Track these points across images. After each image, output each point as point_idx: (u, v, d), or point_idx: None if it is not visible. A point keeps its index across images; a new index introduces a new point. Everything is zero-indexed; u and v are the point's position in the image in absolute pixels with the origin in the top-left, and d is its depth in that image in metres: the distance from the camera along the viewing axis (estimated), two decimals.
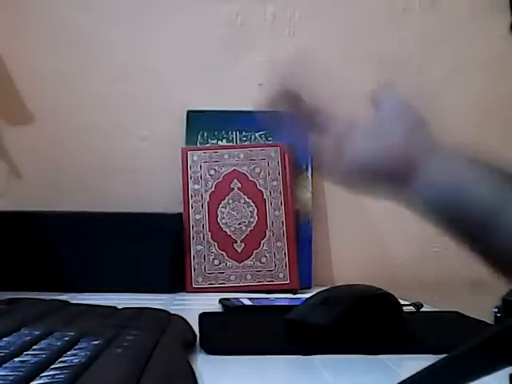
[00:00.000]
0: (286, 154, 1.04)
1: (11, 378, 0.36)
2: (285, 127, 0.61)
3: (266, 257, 1.01)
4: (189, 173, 1.03)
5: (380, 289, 0.64)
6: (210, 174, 1.03)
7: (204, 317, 0.68)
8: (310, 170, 1.09)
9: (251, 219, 1.02)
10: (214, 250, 1.01)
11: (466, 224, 0.51)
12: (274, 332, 0.62)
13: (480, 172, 0.51)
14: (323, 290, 0.66)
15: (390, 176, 0.53)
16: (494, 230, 0.48)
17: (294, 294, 0.98)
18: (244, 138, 1.09)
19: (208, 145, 1.09)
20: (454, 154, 0.53)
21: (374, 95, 0.57)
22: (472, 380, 0.29)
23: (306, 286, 1.03)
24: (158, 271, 0.96)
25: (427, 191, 0.52)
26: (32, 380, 0.36)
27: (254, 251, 1.01)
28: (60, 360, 0.40)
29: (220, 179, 1.03)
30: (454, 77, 1.15)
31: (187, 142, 1.09)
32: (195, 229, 1.02)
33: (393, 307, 0.63)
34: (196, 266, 1.01)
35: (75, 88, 1.10)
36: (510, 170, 0.51)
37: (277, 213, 1.02)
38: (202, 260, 1.01)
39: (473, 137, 1.16)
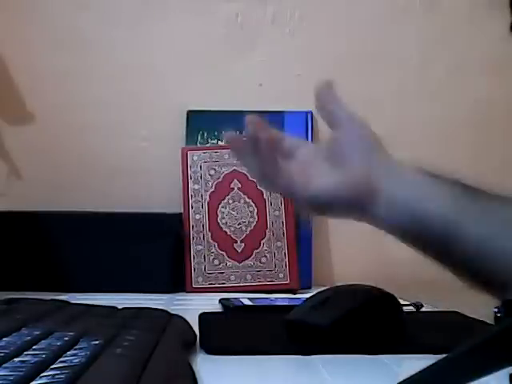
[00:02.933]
0: None
1: (11, 377, 0.36)
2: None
3: (265, 257, 1.01)
4: (189, 173, 1.03)
5: (380, 289, 0.64)
6: (209, 174, 1.03)
7: (204, 317, 0.68)
8: None
9: (251, 219, 1.02)
10: (213, 250, 1.01)
11: (429, 240, 0.52)
12: (274, 332, 0.62)
13: (439, 187, 0.52)
14: (323, 290, 0.65)
15: (351, 203, 0.54)
16: (455, 244, 0.49)
17: (294, 294, 0.98)
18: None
19: (208, 145, 1.09)
20: (411, 173, 0.54)
21: (334, 114, 0.56)
22: (472, 380, 0.29)
23: (306, 286, 1.03)
24: (158, 271, 0.96)
25: (389, 214, 0.53)
26: (32, 380, 0.36)
27: (254, 251, 1.01)
28: (60, 360, 0.40)
29: (220, 179, 1.03)
30: (454, 77, 1.15)
31: (187, 142, 1.09)
32: (195, 229, 1.02)
33: (393, 307, 0.63)
34: (196, 266, 1.01)
35: (75, 88, 1.10)
36: (468, 182, 0.52)
37: (277, 213, 1.02)
38: (202, 260, 1.01)
39: (473, 137, 1.16)
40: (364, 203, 0.53)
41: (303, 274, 1.03)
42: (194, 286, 1.00)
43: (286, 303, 0.83)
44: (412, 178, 0.53)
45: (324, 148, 0.58)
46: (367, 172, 0.54)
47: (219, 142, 1.09)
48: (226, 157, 1.04)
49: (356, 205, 0.54)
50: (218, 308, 0.81)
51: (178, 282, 0.99)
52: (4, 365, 0.38)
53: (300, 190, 0.55)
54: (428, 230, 0.51)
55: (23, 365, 0.39)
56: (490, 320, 0.68)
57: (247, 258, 1.01)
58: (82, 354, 0.42)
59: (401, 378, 0.32)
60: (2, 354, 0.41)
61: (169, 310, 0.66)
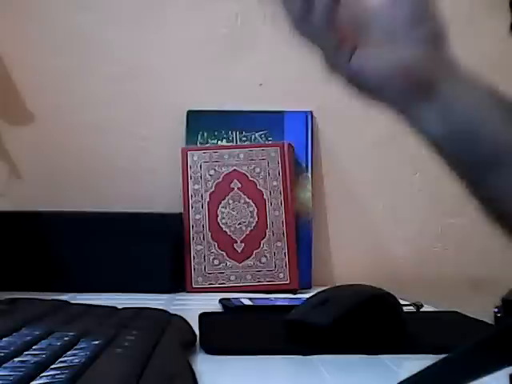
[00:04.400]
0: (286, 154, 1.04)
1: (11, 378, 0.36)
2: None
3: (265, 257, 1.01)
4: (189, 173, 1.03)
5: (380, 289, 0.64)
6: (209, 174, 1.03)
7: (204, 317, 0.68)
8: (310, 169, 1.09)
9: (251, 219, 1.02)
10: (213, 250, 1.01)
11: (475, 158, 0.47)
12: (274, 332, 0.62)
13: (496, 107, 0.47)
14: (323, 290, 0.66)
15: (404, 88, 0.48)
16: (502, 171, 0.45)
17: (294, 294, 0.98)
18: (244, 138, 1.09)
19: (208, 145, 1.09)
20: (472, 82, 0.48)
21: None
22: (472, 380, 0.29)
23: (306, 286, 1.03)
24: (158, 271, 0.96)
25: (441, 115, 0.47)
26: (32, 380, 0.36)
27: (254, 251, 1.01)
28: (60, 360, 0.40)
29: (220, 179, 1.03)
30: None
31: (187, 142, 1.09)
32: (195, 229, 1.02)
33: (393, 307, 0.63)
34: (196, 266, 1.01)
35: (75, 88, 1.10)
36: None
37: (277, 213, 1.02)
38: (202, 260, 1.01)
39: None
40: (417, 93, 0.48)
41: (303, 274, 1.03)
42: (193, 286, 1.00)
43: (286, 303, 0.83)
44: (472, 85, 0.48)
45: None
46: (422, 62, 0.48)
47: (219, 142, 1.09)
48: (226, 157, 1.04)
49: (409, 91, 0.48)
50: (218, 308, 0.81)
51: (178, 282, 0.99)
52: (4, 365, 0.39)
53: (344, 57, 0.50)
54: (477, 147, 0.46)
55: (23, 365, 0.39)
56: (490, 320, 0.68)
57: (247, 258, 1.01)
58: (82, 353, 0.42)
59: (401, 378, 0.32)
60: (2, 354, 0.41)
61: (169, 310, 0.66)
